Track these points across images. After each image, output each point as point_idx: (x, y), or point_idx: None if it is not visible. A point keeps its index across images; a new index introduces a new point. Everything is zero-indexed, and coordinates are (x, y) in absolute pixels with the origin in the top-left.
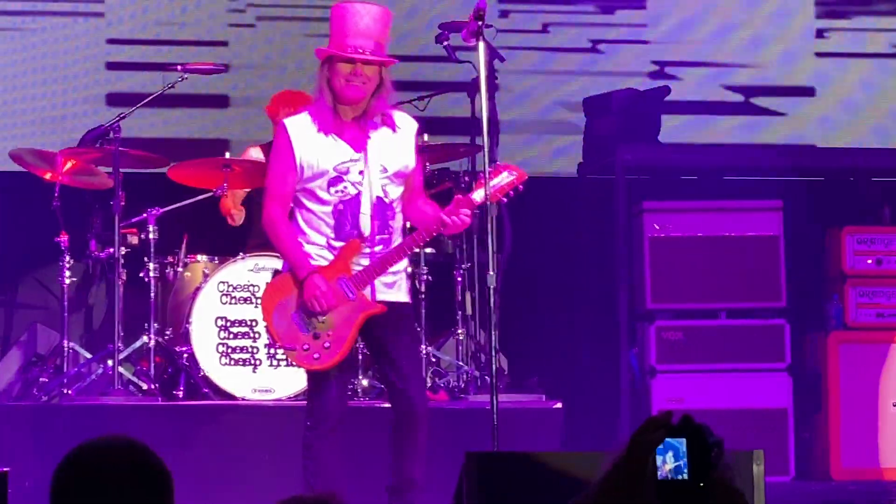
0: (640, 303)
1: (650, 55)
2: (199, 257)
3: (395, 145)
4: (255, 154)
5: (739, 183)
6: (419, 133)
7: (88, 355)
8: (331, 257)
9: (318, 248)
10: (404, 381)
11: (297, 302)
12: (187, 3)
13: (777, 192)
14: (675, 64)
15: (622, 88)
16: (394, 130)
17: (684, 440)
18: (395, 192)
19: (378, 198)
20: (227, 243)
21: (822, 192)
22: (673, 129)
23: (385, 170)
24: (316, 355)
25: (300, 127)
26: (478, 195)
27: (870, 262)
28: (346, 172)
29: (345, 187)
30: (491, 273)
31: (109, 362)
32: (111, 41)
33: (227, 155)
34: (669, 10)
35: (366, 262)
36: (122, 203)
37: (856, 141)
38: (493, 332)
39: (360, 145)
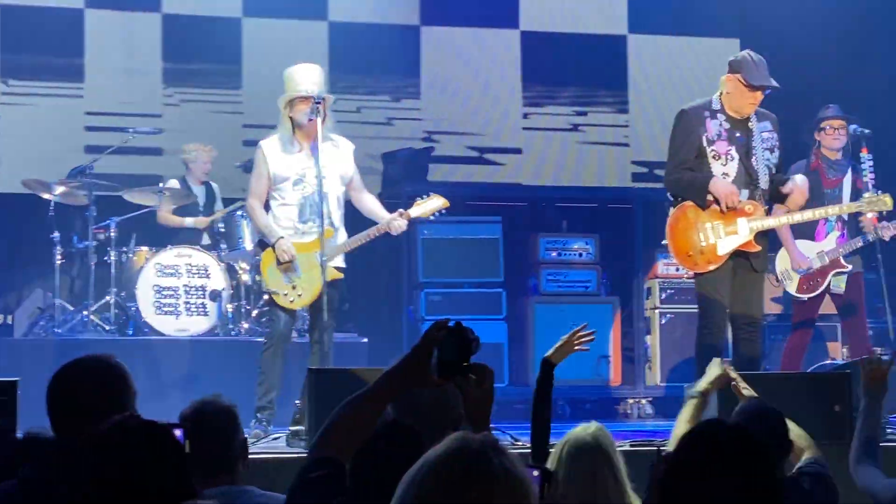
0: (416, 278)
1: (422, 126)
2: (142, 247)
3: (338, 157)
4: (173, 183)
5: (477, 205)
6: (353, 150)
7: (71, 308)
8: (297, 238)
9: (288, 230)
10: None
11: (281, 265)
12: (137, 91)
13: (499, 211)
14: (437, 132)
15: (405, 148)
16: (337, 147)
17: (456, 335)
18: (339, 189)
19: (326, 193)
20: (160, 239)
21: (527, 211)
22: (435, 172)
23: (331, 174)
24: (291, 299)
25: (271, 146)
26: (413, 211)
27: (554, 254)
28: (305, 176)
29: (304, 187)
30: (324, 256)
31: (85, 312)
32: (88, 113)
33: (160, 184)
34: (434, 99)
35: (335, 240)
36: (94, 214)
37: (549, 181)
38: (324, 294)
39: (313, 157)
